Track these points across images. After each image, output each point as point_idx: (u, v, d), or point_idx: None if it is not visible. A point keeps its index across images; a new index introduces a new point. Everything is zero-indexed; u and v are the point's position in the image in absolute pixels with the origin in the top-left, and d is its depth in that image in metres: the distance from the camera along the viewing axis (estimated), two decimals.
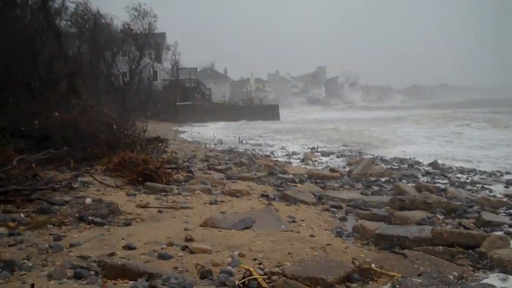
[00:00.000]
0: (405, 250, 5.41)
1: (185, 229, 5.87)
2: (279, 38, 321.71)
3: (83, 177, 9.48)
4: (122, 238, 5.42)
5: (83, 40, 35.65)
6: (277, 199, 8.91)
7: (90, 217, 6.35)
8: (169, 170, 10.18)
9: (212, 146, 23.49)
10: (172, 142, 21.92)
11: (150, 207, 7.37)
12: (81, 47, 33.83)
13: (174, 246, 5.22)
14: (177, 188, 9.12)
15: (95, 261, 4.61)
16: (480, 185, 11.34)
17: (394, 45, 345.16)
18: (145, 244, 5.27)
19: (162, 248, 5.14)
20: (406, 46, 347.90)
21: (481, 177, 12.74)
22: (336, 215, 7.93)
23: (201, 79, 79.03)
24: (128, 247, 5.09)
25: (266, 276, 4.39)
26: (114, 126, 13.56)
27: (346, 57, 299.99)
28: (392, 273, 4.58)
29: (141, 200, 7.80)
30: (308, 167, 15.36)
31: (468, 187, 11.19)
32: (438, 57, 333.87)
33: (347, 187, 11.05)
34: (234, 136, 31.00)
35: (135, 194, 8.36)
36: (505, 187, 11.17)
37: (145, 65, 50.19)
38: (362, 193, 9.93)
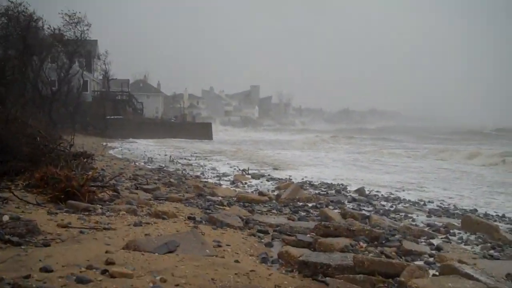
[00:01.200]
0: (327, 278, 5.55)
1: (107, 252, 5.77)
2: (215, 54, 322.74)
3: (2, 192, 9.16)
4: (40, 260, 5.27)
5: (11, 43, 34.54)
6: (204, 222, 8.91)
7: (6, 236, 6.15)
8: (94, 188, 9.99)
9: (142, 164, 23.21)
10: (100, 158, 21.50)
11: (71, 227, 7.20)
12: (8, 50, 32.75)
13: (93, 270, 5.12)
14: (101, 208, 8.96)
15: (9, 284, 4.47)
16: (403, 214, 11.76)
17: (327, 71, 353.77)
18: (63, 266, 5.15)
19: (81, 271, 5.03)
20: (339, 72, 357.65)
21: (405, 205, 13.21)
22: (262, 240, 8.00)
23: (133, 92, 78.18)
24: (45, 270, 4.95)
25: None
26: (38, 138, 13.18)
27: (280, 78, 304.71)
28: None
29: (62, 220, 7.61)
30: (237, 189, 15.45)
31: (392, 215, 11.57)
32: (369, 83, 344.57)
33: (275, 211, 11.18)
34: (166, 155, 30.75)
35: (56, 213, 8.15)
36: (427, 216, 11.63)
37: (74, 73, 49.01)
38: (289, 218, 10.08)
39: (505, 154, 31.59)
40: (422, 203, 13.91)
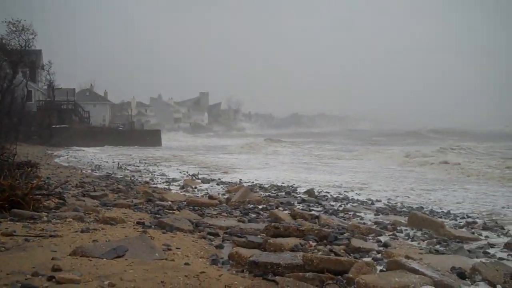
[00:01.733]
0: (277, 277, 5.57)
1: (53, 258, 5.64)
2: (163, 61, 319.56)
3: None
4: None
5: None
6: (153, 226, 8.81)
7: None
8: (39, 197, 9.75)
9: (89, 171, 22.80)
10: (45, 166, 21.02)
11: (16, 235, 7.00)
12: None
13: (39, 277, 5.00)
14: (46, 216, 8.74)
15: None
16: (352, 213, 11.94)
17: (276, 75, 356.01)
18: (8, 274, 5.00)
19: (26, 279, 4.90)
20: (287, 76, 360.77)
21: (353, 205, 13.41)
22: (213, 243, 7.97)
23: (80, 101, 76.81)
24: None
25: None
26: None
27: (229, 84, 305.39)
28: None
29: (6, 228, 7.39)
30: (187, 194, 15.36)
31: (341, 214, 11.72)
32: (317, 88, 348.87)
33: (225, 214, 11.17)
34: (113, 162, 30.32)
35: (0, 222, 7.91)
36: (375, 214, 11.83)
37: (18, 83, 47.72)
38: (239, 220, 10.08)
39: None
40: (370, 202, 14.17)
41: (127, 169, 24.99)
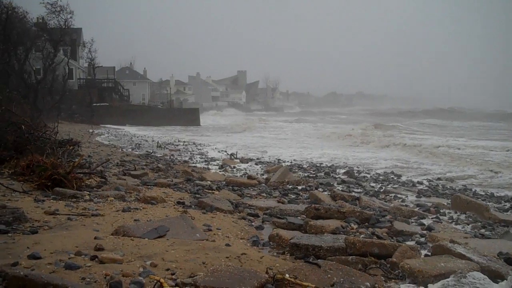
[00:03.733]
0: (319, 260, 5.49)
1: (95, 238, 5.68)
2: (202, 40, 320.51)
3: None
4: (27, 247, 5.17)
5: None
6: (193, 206, 8.83)
7: None
8: (81, 175, 9.87)
9: (129, 150, 23.04)
10: (86, 145, 21.33)
11: (58, 214, 7.10)
12: None
13: (82, 256, 5.03)
14: (88, 194, 8.84)
15: None
16: (393, 195, 11.76)
17: (314, 54, 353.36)
18: (51, 253, 5.05)
19: (69, 258, 4.93)
20: (325, 55, 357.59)
21: (394, 186, 13.22)
22: (253, 224, 7.94)
23: (119, 79, 77.54)
24: (33, 257, 4.85)
25: None
26: (23, 126, 12.99)
27: (267, 62, 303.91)
28: (305, 284, 4.63)
29: (49, 207, 7.50)
30: (226, 173, 15.37)
31: (382, 196, 11.57)
32: (356, 66, 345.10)
33: (265, 195, 11.14)
34: (153, 140, 30.59)
35: (43, 200, 8.03)
36: (417, 196, 11.63)
37: (59, 62, 48.42)
38: (279, 201, 10.03)
39: None
40: (411, 184, 13.93)
41: (167, 148, 25.18)
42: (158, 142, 27.54)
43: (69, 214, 7.10)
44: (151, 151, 22.22)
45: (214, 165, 17.95)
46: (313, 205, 8.51)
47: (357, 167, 17.83)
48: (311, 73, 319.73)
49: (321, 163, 18.77)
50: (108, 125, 52.07)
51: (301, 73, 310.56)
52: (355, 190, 12.38)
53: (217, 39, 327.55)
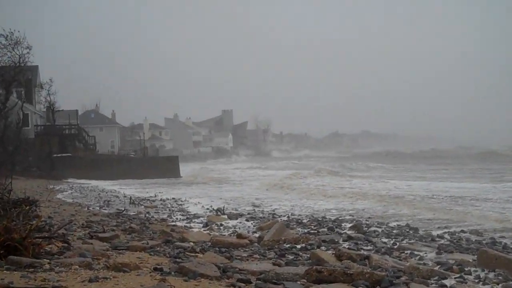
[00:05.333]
0: None
1: None
2: (178, 79, 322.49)
3: None
4: None
5: None
6: (173, 273, 8.79)
7: None
8: (39, 240, 9.82)
9: (97, 208, 22.98)
10: (46, 204, 21.26)
11: (13, 287, 7.05)
12: None
13: None
14: (49, 263, 8.79)
15: None
16: (408, 251, 11.77)
17: (311, 90, 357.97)
18: None
19: None
20: (322, 93, 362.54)
21: (410, 241, 13.24)
22: None
23: (84, 125, 77.90)
24: None
25: None
26: None
27: (256, 100, 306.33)
28: None
29: (2, 279, 7.45)
30: (212, 232, 15.36)
31: (396, 253, 11.58)
32: (359, 104, 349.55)
33: (258, 256, 11.12)
34: (125, 196, 30.53)
35: None
36: (437, 253, 11.65)
37: (12, 106, 48.21)
38: (274, 264, 10.01)
39: None
40: (429, 238, 13.96)
41: (141, 205, 25.13)
42: (131, 198, 27.48)
43: (25, 287, 7.06)
44: (123, 209, 22.17)
45: (197, 223, 17.95)
46: (314, 267, 8.50)
47: (366, 220, 17.89)
48: (309, 112, 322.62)
49: (324, 217, 18.83)
50: (72, 180, 51.93)
51: (297, 112, 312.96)
52: (364, 247, 12.40)
53: (197, 75, 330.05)
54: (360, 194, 28.26)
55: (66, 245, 10.45)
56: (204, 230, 15.89)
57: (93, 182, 48.59)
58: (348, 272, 8.28)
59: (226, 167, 79.32)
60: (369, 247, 12.37)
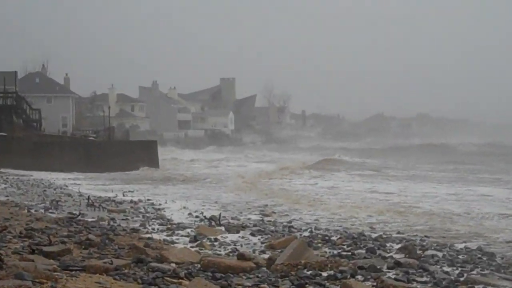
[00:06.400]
0: None
1: None
2: (161, 34, 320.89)
3: None
4: None
5: None
6: None
7: None
8: None
9: (41, 211, 23.02)
10: None
11: None
12: None
13: None
14: None
15: None
16: (481, 286, 11.73)
17: (348, 58, 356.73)
18: None
19: None
20: (368, 59, 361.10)
21: (482, 272, 13.19)
22: None
23: (25, 93, 77.62)
24: None
25: None
26: None
27: (268, 66, 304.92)
28: None
29: None
30: (202, 250, 15.37)
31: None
32: (416, 79, 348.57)
33: (266, 286, 11.12)
34: (80, 195, 30.57)
35: None
36: None
37: None
38: None
39: None
40: (510, 268, 13.89)
41: (103, 208, 25.12)
42: (89, 198, 27.53)
43: None
44: (77, 213, 22.20)
45: (182, 236, 17.95)
46: None
47: (421, 240, 17.81)
48: (344, 86, 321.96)
49: (362, 233, 18.73)
50: (5, 170, 51.97)
51: (327, 85, 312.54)
52: (418, 278, 12.35)
53: (188, 31, 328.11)
54: (413, 204, 28.20)
55: None
56: (192, 247, 15.88)
57: (36, 174, 48.68)
58: None
59: (223, 157, 79.42)
60: (424, 279, 12.32)
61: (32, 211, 22.74)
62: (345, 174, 50.67)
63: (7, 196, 29.36)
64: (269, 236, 17.90)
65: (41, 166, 54.81)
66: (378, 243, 16.88)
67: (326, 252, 15.06)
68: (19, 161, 55.65)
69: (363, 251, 15.52)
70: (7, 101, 65.58)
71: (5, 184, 38.07)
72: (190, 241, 17.00)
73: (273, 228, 20.03)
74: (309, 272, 12.39)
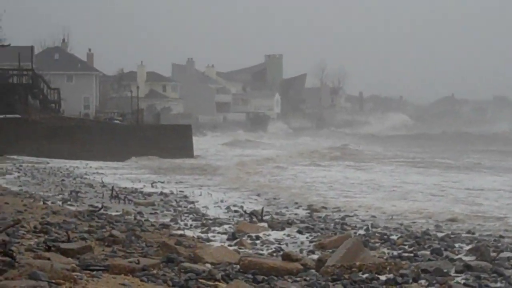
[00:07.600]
0: None
1: None
2: (198, 9, 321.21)
3: None
4: None
5: None
6: None
7: None
8: None
9: (58, 203, 23.16)
10: None
11: None
12: None
13: None
14: None
15: None
16: None
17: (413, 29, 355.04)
18: None
19: None
20: (437, 31, 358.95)
21: None
22: None
23: (42, 71, 78.05)
24: None
25: None
26: None
27: (320, 45, 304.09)
28: None
29: None
30: (242, 250, 15.36)
31: None
32: (492, 57, 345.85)
33: None
34: (103, 186, 30.71)
35: None
36: None
37: None
38: None
39: None
40: None
41: (129, 200, 25.22)
42: (113, 189, 27.65)
43: None
44: (100, 206, 22.30)
45: (219, 233, 17.99)
46: None
47: (495, 240, 17.62)
48: (408, 63, 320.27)
49: (426, 232, 18.58)
50: (19, 156, 52.35)
51: (388, 63, 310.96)
52: (492, 284, 12.22)
53: (226, 4, 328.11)
54: (489, 197, 27.97)
55: (7, 259, 10.52)
56: (230, 245, 15.90)
57: (54, 162, 49.02)
58: None
59: (270, 143, 79.36)
60: (498, 284, 12.21)
61: (49, 203, 22.88)
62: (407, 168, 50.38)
63: (20, 186, 29.62)
64: (319, 234, 17.84)
65: (59, 153, 55.18)
66: (445, 243, 16.74)
67: (384, 253, 14.99)
68: (35, 147, 56.08)
69: (428, 252, 15.41)
70: (22, 79, 65.77)
71: (18, 172, 38.39)
72: (228, 239, 17.03)
73: (323, 225, 19.96)
74: (364, 276, 12.33)
